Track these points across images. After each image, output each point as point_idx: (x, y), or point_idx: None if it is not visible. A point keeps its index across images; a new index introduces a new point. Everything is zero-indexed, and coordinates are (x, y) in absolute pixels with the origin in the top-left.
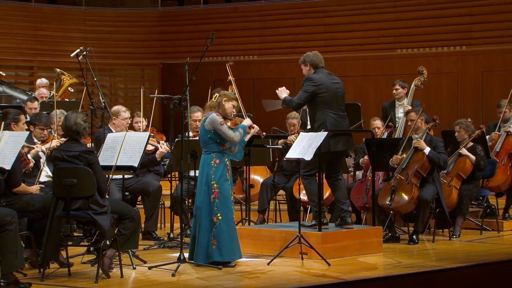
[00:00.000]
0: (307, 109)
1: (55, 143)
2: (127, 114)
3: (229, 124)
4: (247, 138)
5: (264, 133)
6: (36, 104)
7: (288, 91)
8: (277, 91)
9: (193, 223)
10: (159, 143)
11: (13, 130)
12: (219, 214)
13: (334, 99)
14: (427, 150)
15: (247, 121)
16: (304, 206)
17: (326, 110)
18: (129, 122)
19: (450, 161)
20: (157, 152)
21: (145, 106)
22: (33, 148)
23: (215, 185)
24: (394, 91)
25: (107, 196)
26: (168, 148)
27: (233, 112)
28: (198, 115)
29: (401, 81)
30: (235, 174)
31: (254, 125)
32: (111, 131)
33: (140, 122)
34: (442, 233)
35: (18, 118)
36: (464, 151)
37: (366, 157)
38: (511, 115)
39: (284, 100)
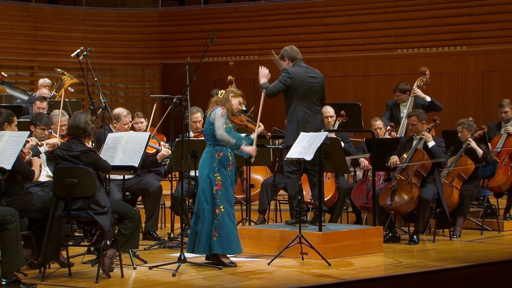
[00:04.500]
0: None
1: (55, 140)
2: (128, 118)
3: (236, 120)
4: (247, 149)
5: (270, 134)
6: (45, 104)
7: (268, 76)
8: (260, 70)
9: (193, 216)
10: (159, 144)
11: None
12: (221, 206)
13: (307, 93)
14: (431, 143)
15: (250, 148)
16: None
17: (298, 103)
18: (130, 126)
19: (452, 161)
20: (159, 154)
21: (145, 106)
22: (28, 142)
23: (218, 177)
24: (395, 97)
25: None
26: (169, 150)
27: (240, 108)
28: (197, 116)
29: (403, 84)
30: (236, 174)
31: (260, 125)
32: (112, 132)
33: (141, 122)
34: (443, 233)
35: (12, 119)
36: (473, 143)
37: (363, 159)
38: None
39: (261, 85)
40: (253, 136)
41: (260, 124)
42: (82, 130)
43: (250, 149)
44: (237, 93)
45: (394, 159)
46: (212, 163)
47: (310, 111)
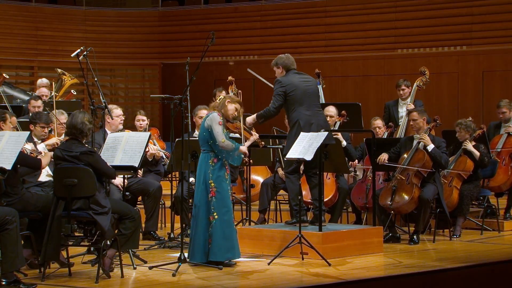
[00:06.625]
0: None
1: (54, 140)
2: (119, 110)
3: (231, 127)
4: (243, 149)
5: (263, 143)
6: (39, 103)
7: (253, 117)
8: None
9: (192, 222)
10: (155, 145)
11: (2, 129)
12: (215, 214)
13: (304, 96)
14: (430, 146)
15: (244, 148)
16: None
17: (298, 108)
18: (123, 119)
19: (451, 161)
20: (148, 153)
21: (145, 106)
22: (41, 153)
23: (212, 184)
24: (400, 92)
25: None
26: (156, 147)
27: (235, 115)
28: (204, 112)
29: (405, 81)
30: (236, 174)
31: (253, 134)
32: (106, 133)
33: (142, 120)
34: (443, 233)
35: (4, 116)
36: (469, 146)
37: (356, 161)
38: (511, 115)
39: (259, 116)
40: (246, 144)
41: (255, 133)
42: (78, 130)
43: (244, 148)
44: (234, 99)
45: (383, 156)
46: (207, 169)
47: (312, 113)
